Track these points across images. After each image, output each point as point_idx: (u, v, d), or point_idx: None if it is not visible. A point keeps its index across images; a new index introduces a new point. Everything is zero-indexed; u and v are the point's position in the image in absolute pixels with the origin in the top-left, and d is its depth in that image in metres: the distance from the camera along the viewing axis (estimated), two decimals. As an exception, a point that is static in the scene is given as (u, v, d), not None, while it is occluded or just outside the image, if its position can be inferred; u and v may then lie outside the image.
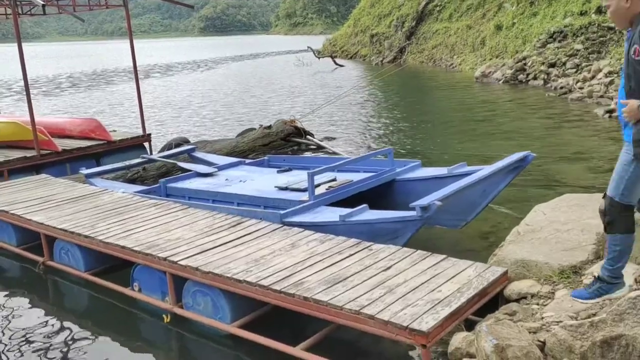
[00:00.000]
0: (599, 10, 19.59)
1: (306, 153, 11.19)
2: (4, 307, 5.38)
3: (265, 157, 8.57)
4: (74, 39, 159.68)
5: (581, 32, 19.34)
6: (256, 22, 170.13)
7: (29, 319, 5.09)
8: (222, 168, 8.03)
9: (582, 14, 20.37)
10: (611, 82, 15.01)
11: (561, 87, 17.27)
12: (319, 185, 6.23)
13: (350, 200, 6.09)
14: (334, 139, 12.78)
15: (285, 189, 6.58)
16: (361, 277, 4.23)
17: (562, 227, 4.72)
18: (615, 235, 3.45)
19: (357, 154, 10.21)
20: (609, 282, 3.57)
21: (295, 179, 6.83)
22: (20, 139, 9.48)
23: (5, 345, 4.63)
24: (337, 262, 4.55)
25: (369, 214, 5.38)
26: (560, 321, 3.48)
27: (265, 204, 6.27)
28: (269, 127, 11.54)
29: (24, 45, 8.92)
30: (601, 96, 15.02)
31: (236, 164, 8.28)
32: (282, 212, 5.65)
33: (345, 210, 5.42)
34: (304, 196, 6.05)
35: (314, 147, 11.53)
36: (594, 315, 3.44)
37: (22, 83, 9.57)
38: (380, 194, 6.49)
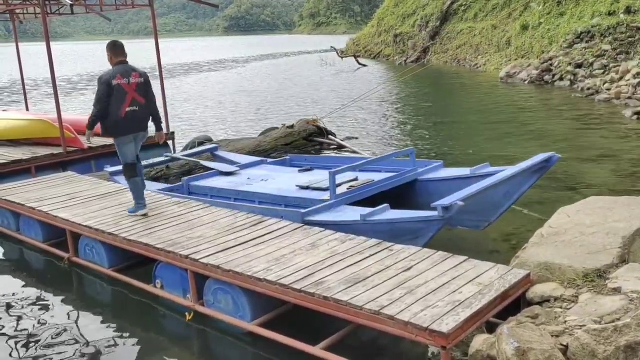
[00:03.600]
0: (628, 11, 19.27)
1: (328, 153, 11.19)
2: (31, 301, 5.47)
3: (287, 157, 8.60)
4: (101, 38, 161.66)
5: (609, 33, 19.03)
6: (280, 21, 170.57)
7: (53, 313, 5.18)
8: (244, 167, 8.07)
9: (610, 14, 20.04)
10: (640, 84, 14.76)
11: (588, 88, 17.02)
12: (340, 184, 6.23)
13: (371, 200, 6.08)
14: (356, 138, 12.76)
15: (307, 188, 6.59)
16: (381, 278, 4.22)
17: (587, 230, 4.65)
18: (127, 180, 6.23)
19: (378, 154, 10.18)
20: (136, 204, 6.17)
21: (317, 179, 6.84)
22: (48, 136, 9.64)
23: (31, 337, 4.72)
24: (358, 262, 4.55)
25: (390, 214, 5.36)
26: (584, 325, 3.43)
27: (286, 202, 6.29)
28: (292, 126, 11.57)
29: (53, 44, 9.07)
30: (629, 97, 14.76)
31: (258, 163, 8.32)
32: (303, 211, 5.66)
33: (366, 210, 5.42)
34: (326, 195, 6.06)
35: (336, 146, 11.52)
36: (618, 319, 3.38)
37: (50, 81, 9.73)
38: (401, 194, 6.47)
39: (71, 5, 10.15)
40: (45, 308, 5.31)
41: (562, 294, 3.96)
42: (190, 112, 18.74)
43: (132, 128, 6.05)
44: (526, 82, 20.78)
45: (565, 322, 3.58)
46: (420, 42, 35.26)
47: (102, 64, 48.74)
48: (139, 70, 6.12)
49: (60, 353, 4.46)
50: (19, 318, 5.11)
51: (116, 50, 6.07)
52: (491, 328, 3.92)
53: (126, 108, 5.93)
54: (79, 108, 20.88)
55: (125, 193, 7.10)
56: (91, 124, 6.02)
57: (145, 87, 6.08)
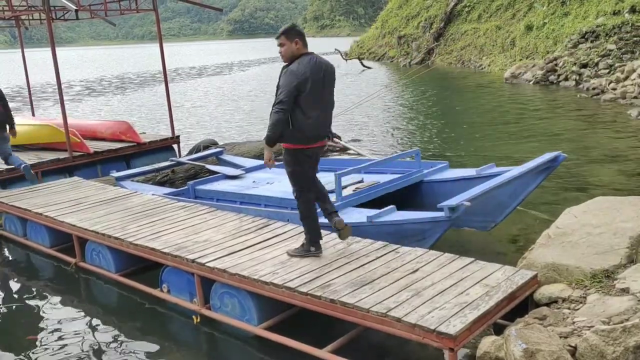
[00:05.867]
0: (633, 10, 19.22)
1: (333, 155, 11.18)
2: (38, 305, 5.49)
3: (293, 159, 8.58)
4: (106, 43, 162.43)
5: (614, 32, 18.98)
6: (284, 24, 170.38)
7: (61, 318, 5.19)
8: (249, 170, 8.08)
9: (615, 13, 19.99)
10: (645, 82, 14.69)
11: (593, 88, 16.96)
12: (346, 186, 6.23)
13: (377, 201, 6.07)
14: (361, 140, 12.76)
15: (313, 190, 6.57)
16: (388, 280, 4.21)
17: (594, 230, 4.63)
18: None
19: (384, 156, 10.17)
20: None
21: (322, 181, 6.82)
22: (54, 141, 9.68)
23: (38, 341, 4.73)
24: (364, 264, 4.54)
25: (396, 215, 5.35)
26: (592, 326, 3.41)
27: (292, 205, 6.26)
28: (297, 129, 11.55)
29: (58, 50, 9.11)
30: (635, 97, 14.71)
31: (263, 166, 8.29)
32: (309, 213, 5.64)
33: (372, 211, 5.41)
34: (331, 197, 6.04)
35: (341, 149, 11.52)
36: (627, 320, 3.37)
37: (55, 86, 9.77)
38: (407, 196, 6.46)
39: (76, 11, 10.18)
40: (53, 313, 5.33)
41: (569, 294, 3.94)
42: (195, 115, 18.78)
43: None
44: (531, 83, 20.74)
45: (574, 323, 3.56)
46: (424, 44, 35.24)
47: (106, 69, 49.10)
48: None
49: (68, 357, 4.47)
50: (26, 323, 5.13)
51: None
52: (498, 330, 3.91)
53: None
54: (85, 113, 20.96)
55: (131, 198, 7.12)
56: None
57: (2, 100, 7.96)
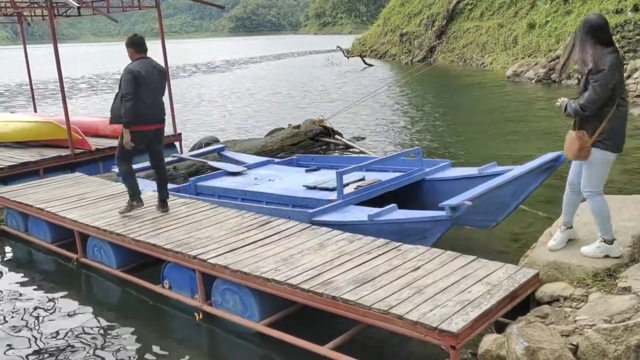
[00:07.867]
0: (636, 8, 19.16)
1: (334, 153, 11.18)
2: (39, 301, 5.50)
3: (294, 157, 8.60)
4: (108, 39, 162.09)
5: (617, 31, 18.90)
6: (286, 22, 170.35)
7: (62, 313, 5.20)
8: (251, 167, 8.08)
9: (617, 12, 19.93)
10: (648, 81, 14.66)
11: (595, 87, 16.90)
12: (347, 184, 6.23)
13: (378, 200, 6.08)
14: (363, 138, 12.75)
15: (314, 188, 6.59)
16: (390, 277, 4.21)
17: (596, 229, 4.62)
18: None
19: (386, 154, 10.16)
20: None
21: (324, 178, 6.83)
22: (56, 138, 9.68)
23: (39, 337, 4.74)
24: (366, 262, 4.54)
25: (397, 214, 5.35)
26: (594, 324, 3.41)
27: (293, 203, 6.28)
28: (298, 126, 11.57)
29: (60, 46, 9.10)
30: (637, 96, 14.68)
31: (265, 163, 8.32)
32: (310, 211, 5.66)
33: (373, 210, 5.41)
34: (333, 195, 6.05)
35: (343, 146, 11.51)
36: (629, 318, 3.37)
37: (57, 83, 9.76)
38: (409, 194, 6.45)
39: (78, 7, 10.18)
40: (54, 309, 5.34)
41: (571, 293, 3.94)
42: (197, 112, 18.77)
43: None
44: (533, 81, 20.70)
45: (575, 321, 3.56)
46: (426, 41, 35.16)
47: (108, 65, 49.05)
48: None
49: (69, 353, 4.48)
50: (28, 319, 5.14)
51: None
52: (500, 328, 3.92)
53: None
54: (87, 110, 20.95)
55: (132, 194, 7.11)
56: None
57: None
